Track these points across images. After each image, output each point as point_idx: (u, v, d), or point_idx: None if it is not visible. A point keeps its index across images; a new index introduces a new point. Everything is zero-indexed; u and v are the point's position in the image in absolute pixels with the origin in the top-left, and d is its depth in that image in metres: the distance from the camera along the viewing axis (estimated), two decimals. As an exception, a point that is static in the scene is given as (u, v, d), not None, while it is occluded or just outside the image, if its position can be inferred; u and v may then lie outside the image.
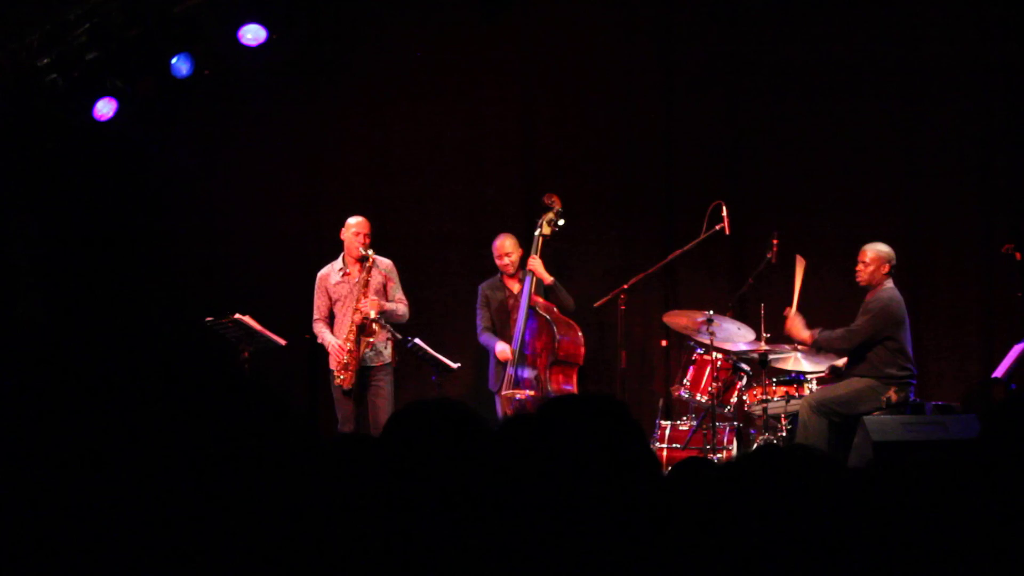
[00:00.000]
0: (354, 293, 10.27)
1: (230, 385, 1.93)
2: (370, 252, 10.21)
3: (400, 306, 10.44)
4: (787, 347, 10.39)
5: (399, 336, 10.15)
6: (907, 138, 11.45)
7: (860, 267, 10.14)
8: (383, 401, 10.25)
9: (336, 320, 10.46)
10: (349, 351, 10.17)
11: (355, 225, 10.41)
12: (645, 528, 2.56)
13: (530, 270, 10.64)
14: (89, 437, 1.75)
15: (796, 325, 10.11)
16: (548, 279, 10.69)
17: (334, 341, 10.33)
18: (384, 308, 10.25)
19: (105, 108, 11.34)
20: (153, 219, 12.23)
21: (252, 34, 11.36)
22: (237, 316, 10.15)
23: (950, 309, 11.30)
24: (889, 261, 10.11)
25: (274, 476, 1.89)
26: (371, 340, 10.19)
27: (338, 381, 10.23)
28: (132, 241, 12.03)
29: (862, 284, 10.18)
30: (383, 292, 10.37)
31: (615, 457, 2.64)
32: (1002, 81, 11.21)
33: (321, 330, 10.48)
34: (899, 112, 11.46)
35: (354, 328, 10.16)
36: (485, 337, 10.90)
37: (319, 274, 10.58)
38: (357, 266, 10.36)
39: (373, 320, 10.08)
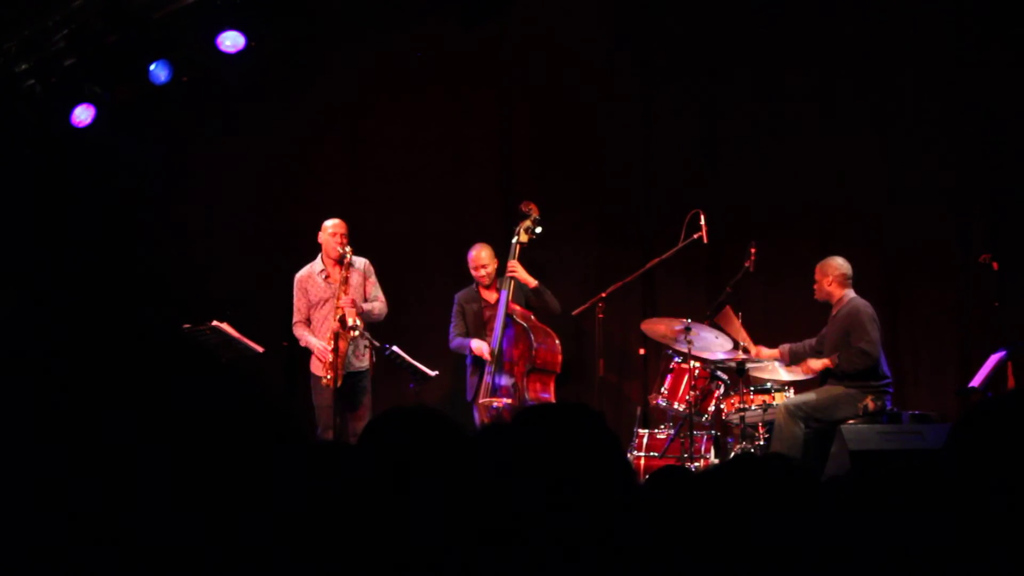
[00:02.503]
0: (335, 295, 10.26)
1: (220, 385, 1.92)
2: (348, 251, 10.20)
3: (376, 304, 10.47)
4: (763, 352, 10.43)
5: (377, 344, 10.13)
6: (884, 148, 11.48)
7: (816, 286, 10.32)
8: (363, 410, 10.25)
9: (315, 323, 10.46)
10: (333, 350, 10.15)
11: (332, 226, 10.42)
12: (621, 538, 2.55)
13: (511, 275, 10.64)
14: (67, 438, 1.74)
15: (814, 363, 10.17)
16: (532, 282, 10.70)
17: (318, 342, 10.33)
18: (363, 309, 10.27)
19: (83, 114, 11.31)
20: (130, 226, 12.20)
21: (230, 41, 11.35)
22: (215, 323, 10.12)
23: (927, 319, 11.33)
24: (843, 272, 10.23)
25: (263, 478, 1.88)
26: (354, 334, 10.15)
27: (325, 381, 10.19)
28: (108, 248, 11.99)
29: (819, 300, 10.34)
30: (361, 291, 10.38)
31: (590, 467, 2.63)
32: (978, 93, 11.24)
33: (303, 333, 10.48)
34: (876, 123, 11.50)
35: (335, 327, 10.15)
36: (458, 342, 10.87)
37: (297, 276, 10.58)
38: (336, 268, 10.37)
39: (351, 327, 10.06)
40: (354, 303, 10.16)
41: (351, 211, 11.15)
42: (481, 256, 10.85)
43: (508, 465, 2.61)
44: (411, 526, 2.57)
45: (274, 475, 1.87)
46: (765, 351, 10.43)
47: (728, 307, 10.43)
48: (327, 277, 10.44)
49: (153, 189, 12.37)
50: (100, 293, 11.66)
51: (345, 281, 10.21)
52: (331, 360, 10.17)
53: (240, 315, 10.56)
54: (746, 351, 10.29)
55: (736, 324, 10.33)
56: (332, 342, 10.15)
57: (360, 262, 10.45)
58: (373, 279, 10.55)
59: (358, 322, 10.11)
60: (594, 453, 2.66)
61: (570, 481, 2.58)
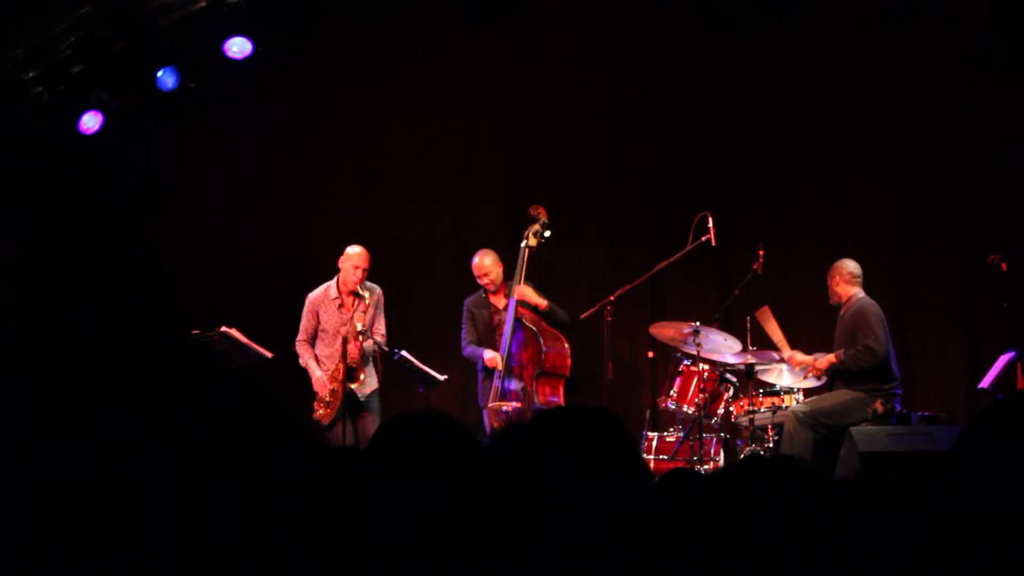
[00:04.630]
0: (344, 329, 10.25)
1: (230, 390, 1.93)
2: (365, 293, 10.17)
3: (377, 339, 10.40)
4: (774, 356, 10.40)
5: (386, 349, 10.13)
6: (892, 150, 11.47)
7: (829, 291, 10.33)
8: (373, 423, 10.21)
9: (320, 349, 10.43)
10: (332, 391, 10.16)
11: (355, 257, 10.35)
12: (638, 541, 2.56)
13: (521, 299, 10.61)
14: (76, 444, 1.74)
15: (820, 361, 10.15)
16: (543, 304, 10.68)
17: (318, 373, 10.30)
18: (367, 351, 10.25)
19: (91, 121, 11.33)
20: (139, 232, 12.21)
21: (237, 47, 11.37)
22: (224, 329, 10.12)
23: (936, 320, 11.31)
24: (851, 271, 10.24)
25: (272, 483, 1.88)
26: (353, 386, 10.14)
27: (317, 415, 10.20)
28: (118, 254, 12.00)
29: (834, 304, 10.34)
30: (370, 323, 10.35)
31: (609, 470, 2.64)
32: (985, 92, 11.23)
33: (304, 352, 10.46)
34: (884, 124, 11.49)
35: (342, 369, 10.12)
36: (470, 350, 10.87)
37: (310, 297, 10.53)
38: (351, 299, 10.35)
39: (360, 331, 10.05)
40: (361, 317, 10.14)
41: (359, 215, 11.19)
42: (484, 264, 10.82)
43: (524, 467, 2.61)
44: (421, 529, 2.57)
45: (283, 480, 1.87)
46: (799, 356, 10.30)
47: (767, 307, 10.40)
48: (341, 305, 10.41)
49: (161, 195, 12.38)
50: (109, 300, 11.67)
51: (359, 336, 10.12)
52: (327, 399, 10.18)
53: (249, 321, 10.57)
54: (777, 355, 10.26)
55: (774, 324, 10.32)
56: (335, 382, 10.15)
57: (375, 291, 10.41)
58: (381, 310, 10.50)
59: (362, 327, 10.08)
60: (613, 457, 2.66)
61: (587, 484, 2.58)
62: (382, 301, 10.49)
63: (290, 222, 12.41)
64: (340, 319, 10.35)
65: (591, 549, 2.49)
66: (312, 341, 10.49)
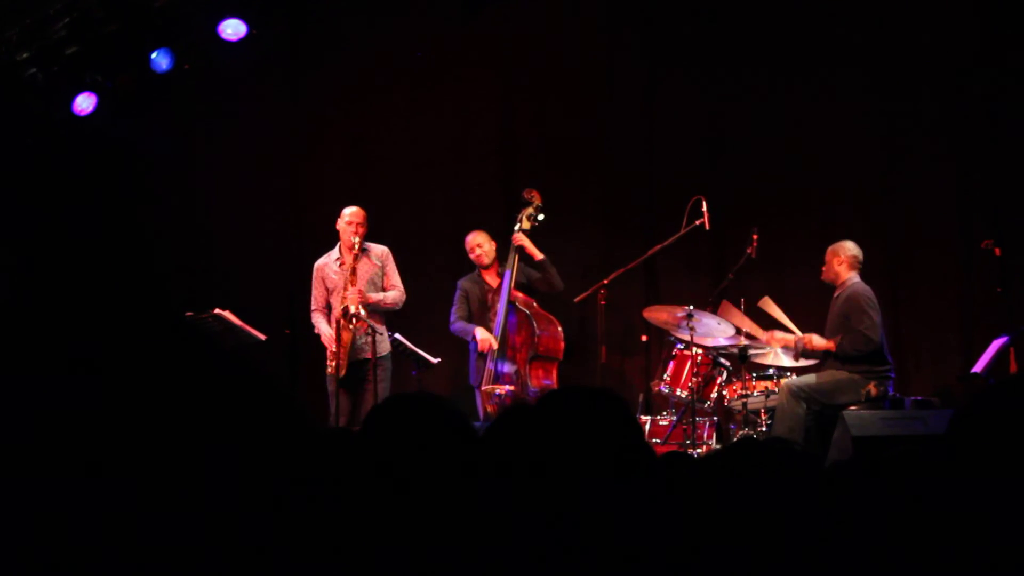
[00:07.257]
0: (345, 291, 10.26)
1: (226, 371, 1.93)
2: (357, 240, 10.21)
3: (392, 293, 10.42)
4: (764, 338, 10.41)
5: (379, 332, 10.13)
6: (886, 134, 11.47)
7: (824, 267, 10.29)
8: (368, 396, 10.20)
9: (333, 310, 10.47)
10: (337, 340, 10.16)
11: (349, 215, 10.40)
12: (645, 521, 2.56)
13: (519, 245, 10.62)
14: (70, 428, 1.74)
15: (817, 341, 10.14)
16: (539, 255, 10.68)
17: (327, 331, 10.33)
18: (369, 300, 10.23)
19: (84, 103, 11.32)
20: (132, 214, 12.17)
21: (232, 29, 11.37)
22: (217, 311, 10.11)
23: (930, 305, 11.32)
24: (855, 255, 10.22)
25: (268, 465, 1.88)
26: (352, 328, 10.15)
27: (330, 370, 10.21)
28: (111, 236, 11.97)
29: (825, 281, 10.31)
30: (377, 280, 10.36)
31: (614, 449, 2.64)
32: (980, 77, 11.23)
33: (318, 320, 10.48)
34: (878, 108, 11.48)
35: (339, 317, 10.15)
36: (458, 325, 10.85)
37: (316, 264, 10.56)
38: (351, 256, 10.37)
39: (353, 315, 10.05)
40: (361, 293, 10.14)
41: (352, 200, 11.15)
42: (475, 238, 10.86)
43: (529, 448, 2.62)
44: (414, 513, 2.58)
45: (277, 460, 1.87)
46: (779, 334, 10.32)
47: (725, 301, 10.41)
48: (341, 264, 10.43)
49: (154, 177, 12.30)
50: (102, 283, 11.65)
51: (352, 272, 10.20)
52: (334, 350, 10.17)
53: (242, 303, 10.56)
54: (751, 337, 10.26)
55: (739, 314, 10.31)
56: (336, 331, 10.16)
57: (378, 250, 10.43)
58: (391, 267, 10.52)
59: (362, 312, 10.08)
60: (618, 438, 2.67)
61: (594, 463, 2.59)
62: (389, 258, 10.50)
63: (284, 204, 12.40)
64: (343, 277, 10.36)
65: (597, 528, 2.49)
66: (327, 309, 10.50)
